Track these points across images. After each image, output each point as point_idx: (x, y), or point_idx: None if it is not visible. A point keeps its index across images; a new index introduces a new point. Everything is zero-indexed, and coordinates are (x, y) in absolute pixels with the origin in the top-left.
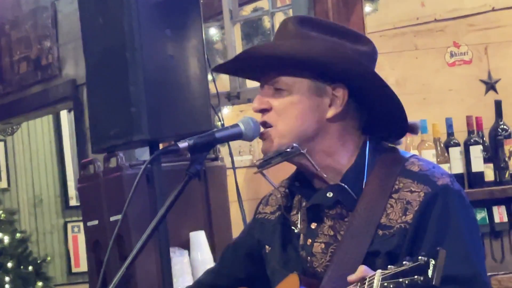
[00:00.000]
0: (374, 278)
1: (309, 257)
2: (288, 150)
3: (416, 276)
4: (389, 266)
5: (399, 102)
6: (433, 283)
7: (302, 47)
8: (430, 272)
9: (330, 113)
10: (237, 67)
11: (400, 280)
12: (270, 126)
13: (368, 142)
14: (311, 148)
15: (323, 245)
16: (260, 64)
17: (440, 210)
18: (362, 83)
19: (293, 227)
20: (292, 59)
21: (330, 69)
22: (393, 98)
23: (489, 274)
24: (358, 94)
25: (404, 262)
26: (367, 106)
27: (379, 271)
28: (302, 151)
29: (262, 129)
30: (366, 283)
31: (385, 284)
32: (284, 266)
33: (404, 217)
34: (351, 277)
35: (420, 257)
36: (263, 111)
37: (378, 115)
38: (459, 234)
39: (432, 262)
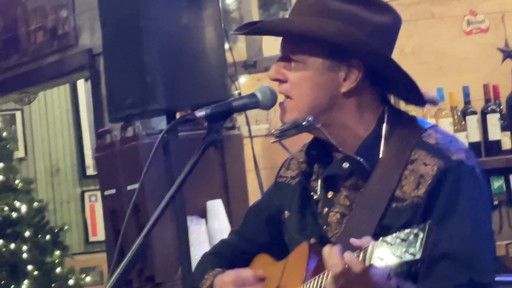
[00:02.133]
0: (367, 250)
1: (325, 226)
2: (304, 123)
3: (405, 249)
4: (381, 238)
5: (411, 80)
6: (419, 257)
7: (316, 26)
8: (417, 245)
9: (345, 87)
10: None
11: (392, 252)
12: (287, 97)
13: (386, 113)
14: (326, 121)
15: (338, 215)
16: (276, 35)
17: (450, 187)
18: (374, 63)
19: (312, 193)
20: (305, 38)
21: (341, 50)
22: (406, 78)
23: (506, 242)
24: (373, 70)
25: (394, 235)
26: (382, 82)
27: (372, 242)
28: (317, 125)
29: (280, 98)
30: (361, 254)
31: (376, 256)
32: (301, 233)
33: (417, 191)
34: (353, 240)
35: (409, 230)
36: (279, 81)
37: (394, 90)
38: (465, 213)
39: (421, 235)
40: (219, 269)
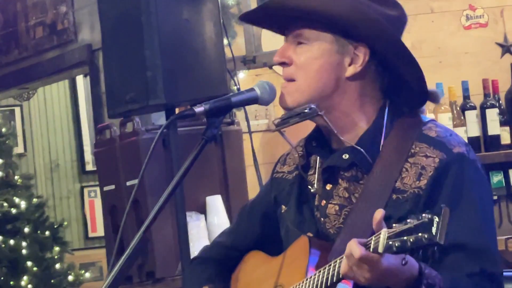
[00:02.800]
0: (380, 237)
1: (322, 218)
2: (306, 111)
3: (420, 234)
4: (394, 225)
5: (420, 70)
6: (437, 239)
7: (327, 2)
8: (434, 229)
9: (350, 71)
10: (262, 17)
11: (405, 238)
12: (290, 80)
13: (387, 105)
14: (329, 107)
15: (337, 207)
16: (285, 14)
17: (453, 179)
18: (384, 47)
19: (309, 187)
20: (316, 13)
21: (352, 28)
22: (415, 65)
23: (506, 237)
24: (379, 56)
25: (408, 220)
26: (387, 70)
27: (384, 229)
28: (320, 113)
29: (282, 82)
30: (372, 242)
31: (390, 242)
32: (299, 227)
33: (418, 182)
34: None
35: (423, 215)
36: (284, 64)
37: (398, 80)
38: (471, 204)
39: (436, 219)
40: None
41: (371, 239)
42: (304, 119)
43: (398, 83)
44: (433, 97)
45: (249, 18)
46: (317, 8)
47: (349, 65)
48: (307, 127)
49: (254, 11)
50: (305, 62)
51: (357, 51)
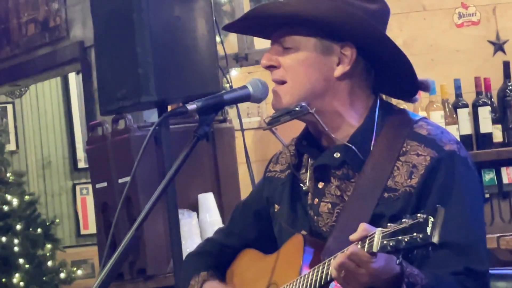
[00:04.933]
0: (374, 236)
1: (315, 217)
2: (297, 109)
3: (415, 234)
4: (388, 224)
5: (407, 61)
6: (431, 240)
7: (308, 5)
8: (428, 229)
9: (338, 71)
10: (246, 25)
11: (400, 237)
12: (280, 83)
13: (378, 103)
14: (319, 107)
15: (329, 205)
16: (268, 22)
17: (444, 176)
18: (370, 43)
19: (302, 185)
20: (298, 18)
21: (336, 28)
22: (402, 57)
23: (497, 234)
24: (366, 53)
25: (403, 220)
26: (376, 65)
27: (379, 229)
28: (310, 110)
29: (273, 85)
30: (367, 242)
31: (385, 242)
32: (292, 225)
33: (409, 180)
34: (353, 236)
35: (418, 215)
36: (271, 67)
37: (388, 74)
38: (461, 202)
39: (431, 219)
40: (204, 272)
41: (365, 239)
42: (295, 117)
43: (388, 75)
44: (424, 86)
45: (233, 27)
46: (298, 12)
47: (337, 65)
48: (299, 124)
49: (238, 21)
50: (293, 64)
51: (344, 50)
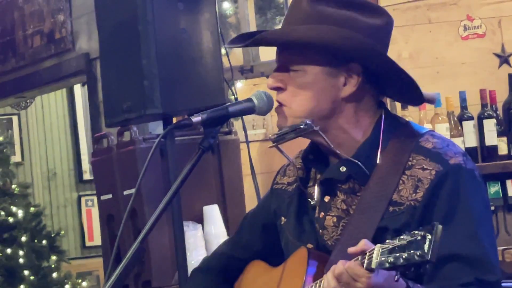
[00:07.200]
0: (373, 252)
1: (321, 230)
2: (302, 126)
3: (412, 251)
4: (387, 241)
5: (413, 82)
6: (428, 258)
7: (316, 34)
8: (426, 247)
9: (345, 92)
10: (252, 43)
11: (398, 254)
12: (284, 105)
13: (383, 118)
14: (325, 125)
15: (335, 219)
16: (277, 46)
17: (450, 189)
18: (375, 65)
19: (309, 199)
20: (304, 46)
21: (342, 54)
22: (406, 79)
23: (502, 247)
24: (372, 73)
25: (402, 237)
26: (381, 84)
27: (378, 245)
28: (315, 128)
29: (276, 104)
30: (366, 257)
31: (383, 258)
32: (298, 238)
33: (414, 194)
34: (351, 249)
35: (416, 232)
36: (278, 89)
37: (393, 91)
38: (468, 214)
39: (429, 236)
40: None
41: (364, 255)
42: (300, 135)
43: (393, 92)
44: (429, 100)
45: (237, 42)
46: (304, 41)
47: (344, 85)
48: (304, 139)
49: (243, 40)
50: (299, 90)
51: (350, 71)
